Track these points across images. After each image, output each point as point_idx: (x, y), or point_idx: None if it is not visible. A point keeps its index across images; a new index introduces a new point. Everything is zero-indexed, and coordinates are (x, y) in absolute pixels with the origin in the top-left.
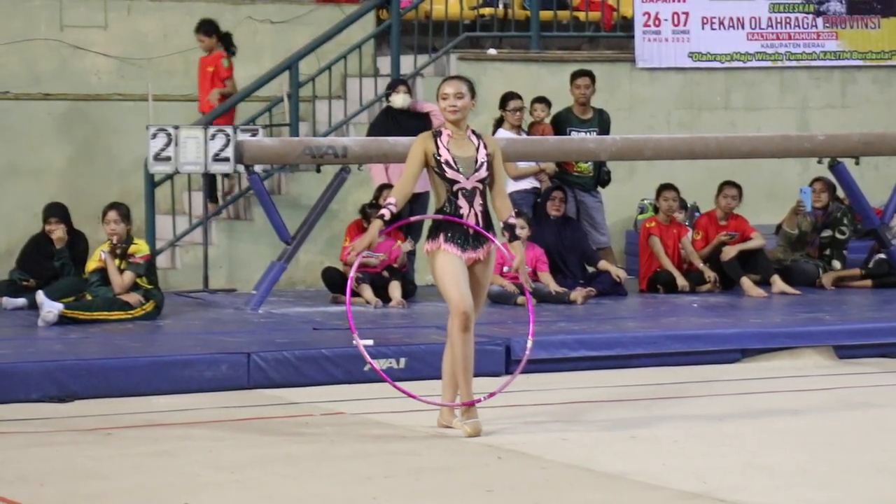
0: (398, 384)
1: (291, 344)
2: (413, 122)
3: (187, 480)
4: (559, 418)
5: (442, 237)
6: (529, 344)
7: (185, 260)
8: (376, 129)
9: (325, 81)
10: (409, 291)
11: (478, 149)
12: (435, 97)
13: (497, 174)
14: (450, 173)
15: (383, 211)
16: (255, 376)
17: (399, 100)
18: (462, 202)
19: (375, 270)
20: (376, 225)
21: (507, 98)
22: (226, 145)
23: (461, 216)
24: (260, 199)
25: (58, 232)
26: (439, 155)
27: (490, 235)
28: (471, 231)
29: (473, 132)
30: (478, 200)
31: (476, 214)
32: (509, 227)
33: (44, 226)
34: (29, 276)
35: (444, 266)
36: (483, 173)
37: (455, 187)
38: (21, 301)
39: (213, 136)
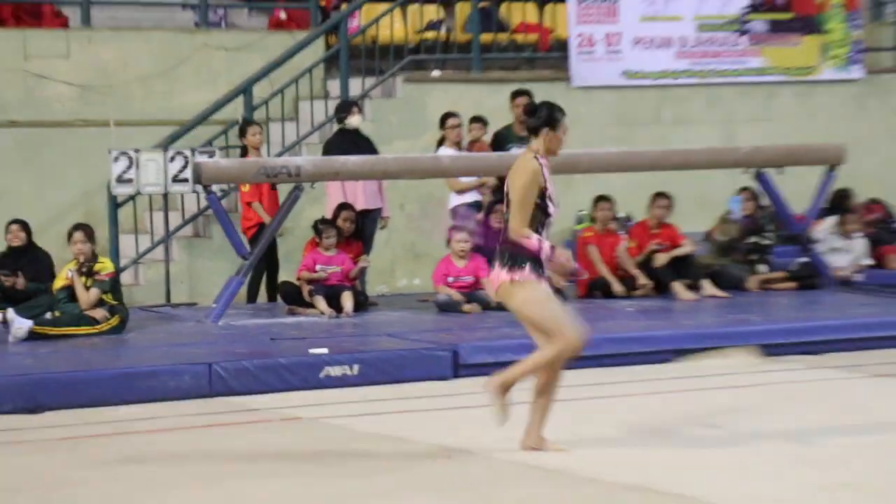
0: None
1: (250, 354)
2: (367, 141)
3: (154, 485)
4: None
5: (528, 268)
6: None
7: (148, 276)
8: (332, 148)
9: (277, 104)
10: (361, 303)
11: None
12: (373, 119)
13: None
14: (550, 208)
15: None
16: (217, 385)
17: (355, 120)
18: (545, 234)
19: (329, 283)
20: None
21: (445, 117)
22: (184, 167)
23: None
24: (218, 218)
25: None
26: (546, 187)
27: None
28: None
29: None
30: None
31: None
32: None
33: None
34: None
35: (541, 296)
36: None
37: (547, 221)
38: None
39: (173, 159)
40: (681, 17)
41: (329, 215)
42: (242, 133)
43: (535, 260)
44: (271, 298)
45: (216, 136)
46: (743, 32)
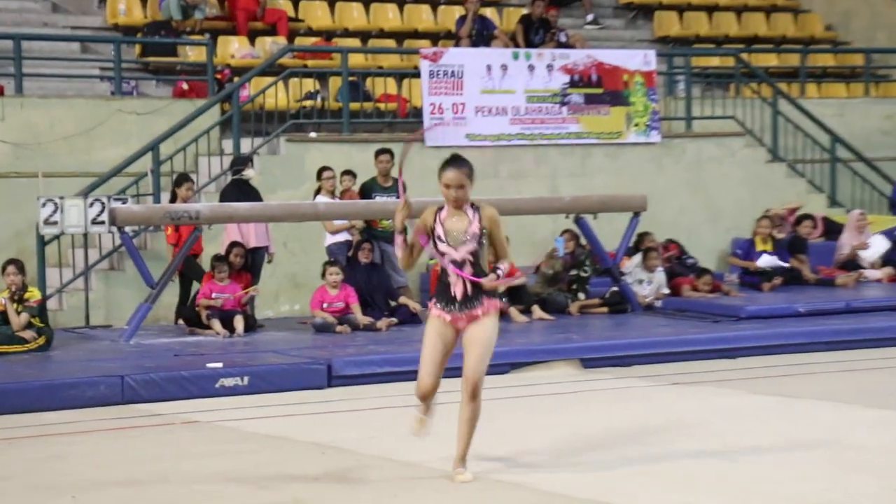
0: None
1: (156, 367)
2: (255, 191)
3: (74, 479)
4: (369, 420)
5: (434, 301)
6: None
7: (71, 303)
8: (227, 196)
9: (180, 159)
10: (250, 325)
11: (471, 221)
12: (261, 172)
13: (496, 241)
14: (441, 246)
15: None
16: (128, 394)
17: (251, 173)
18: (451, 272)
19: (223, 308)
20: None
21: (321, 171)
22: (102, 211)
23: (449, 284)
24: (130, 254)
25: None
26: (435, 229)
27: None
28: (458, 297)
29: (472, 206)
30: (468, 270)
31: (464, 283)
32: (493, 269)
33: None
34: None
35: (426, 331)
36: (473, 246)
37: (446, 259)
38: None
39: (92, 204)
40: (513, 91)
41: (223, 252)
42: (178, 185)
43: (440, 296)
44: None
45: (128, 186)
46: (564, 104)
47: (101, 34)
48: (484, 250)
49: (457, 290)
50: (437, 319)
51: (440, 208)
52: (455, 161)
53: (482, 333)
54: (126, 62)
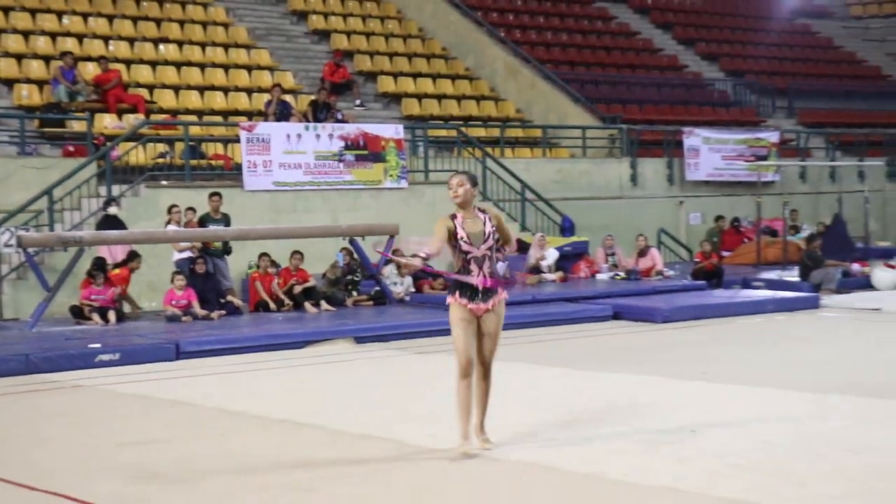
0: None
1: (52, 348)
2: (121, 222)
3: None
4: (207, 383)
5: (458, 293)
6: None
7: None
8: (102, 227)
9: (69, 200)
10: (120, 317)
11: (484, 223)
12: (127, 209)
13: (503, 233)
14: (464, 246)
15: (422, 254)
16: (31, 367)
17: (115, 209)
18: (473, 266)
19: (101, 304)
20: (418, 261)
21: (170, 207)
22: (11, 237)
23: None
24: (32, 267)
25: None
26: (457, 232)
27: (499, 289)
28: (480, 287)
29: (480, 210)
30: (486, 264)
31: (484, 275)
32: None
33: None
34: None
35: (455, 318)
36: (491, 242)
37: (468, 256)
38: None
39: (3, 233)
40: (306, 152)
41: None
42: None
43: (462, 288)
44: None
45: (31, 219)
46: (341, 161)
47: (10, 112)
48: (494, 247)
49: (478, 282)
50: (461, 308)
51: (453, 216)
52: (457, 172)
53: (497, 323)
54: (28, 132)
